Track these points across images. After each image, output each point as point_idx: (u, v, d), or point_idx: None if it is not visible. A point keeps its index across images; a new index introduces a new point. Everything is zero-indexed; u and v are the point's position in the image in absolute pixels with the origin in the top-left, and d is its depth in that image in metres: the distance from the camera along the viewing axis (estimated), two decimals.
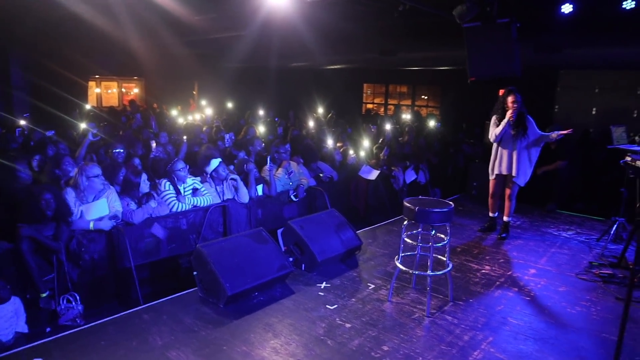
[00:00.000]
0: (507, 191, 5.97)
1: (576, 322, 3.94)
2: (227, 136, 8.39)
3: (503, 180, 6.02)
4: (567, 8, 7.32)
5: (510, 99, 5.70)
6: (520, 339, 3.68)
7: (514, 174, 5.81)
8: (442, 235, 4.15)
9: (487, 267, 5.12)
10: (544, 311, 4.14)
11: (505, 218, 6.10)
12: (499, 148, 5.93)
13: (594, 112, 10.21)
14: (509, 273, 4.98)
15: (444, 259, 4.22)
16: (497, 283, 4.72)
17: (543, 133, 5.74)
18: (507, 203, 6.02)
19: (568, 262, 5.32)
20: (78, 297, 4.40)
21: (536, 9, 8.10)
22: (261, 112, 11.78)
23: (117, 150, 6.10)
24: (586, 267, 5.14)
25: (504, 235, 6.10)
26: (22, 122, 8.56)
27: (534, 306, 4.23)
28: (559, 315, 4.06)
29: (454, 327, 3.85)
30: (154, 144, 7.15)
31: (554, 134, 5.64)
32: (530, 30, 8.05)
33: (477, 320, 3.96)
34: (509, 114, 5.69)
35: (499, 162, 5.93)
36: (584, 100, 10.31)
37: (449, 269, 4.16)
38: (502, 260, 5.33)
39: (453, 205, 4.05)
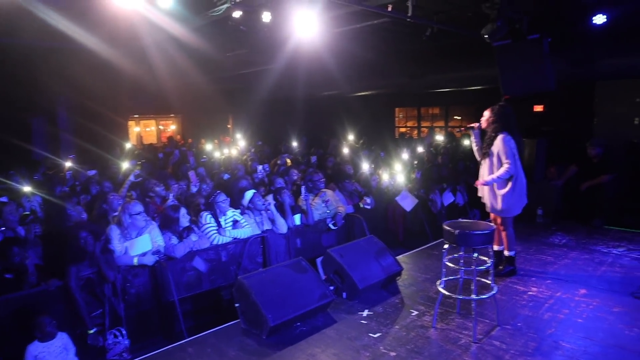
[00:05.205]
0: (498, 220, 5.21)
1: (636, 345, 3.74)
2: (259, 168, 8.48)
3: None
4: (599, 19, 7.19)
5: (484, 113, 5.06)
6: None
7: (483, 199, 5.17)
8: (485, 258, 4.04)
9: (534, 289, 4.93)
10: (600, 334, 3.93)
11: (505, 252, 5.26)
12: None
13: (636, 122, 9.86)
14: (557, 294, 4.78)
15: (489, 282, 4.10)
16: (546, 305, 4.53)
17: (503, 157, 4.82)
18: (502, 233, 5.23)
19: (621, 280, 5.06)
20: (124, 332, 4.48)
21: (567, 23, 7.99)
22: (294, 143, 11.91)
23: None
24: None
25: (500, 267, 5.23)
26: (68, 164, 8.90)
27: (588, 329, 4.03)
28: (616, 338, 3.85)
29: (503, 352, 3.71)
30: (193, 176, 7.31)
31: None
32: (562, 44, 7.92)
33: (527, 345, 3.80)
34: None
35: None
36: (624, 111, 9.99)
37: (494, 292, 4.04)
38: (549, 281, 5.12)
39: (494, 226, 3.96)
